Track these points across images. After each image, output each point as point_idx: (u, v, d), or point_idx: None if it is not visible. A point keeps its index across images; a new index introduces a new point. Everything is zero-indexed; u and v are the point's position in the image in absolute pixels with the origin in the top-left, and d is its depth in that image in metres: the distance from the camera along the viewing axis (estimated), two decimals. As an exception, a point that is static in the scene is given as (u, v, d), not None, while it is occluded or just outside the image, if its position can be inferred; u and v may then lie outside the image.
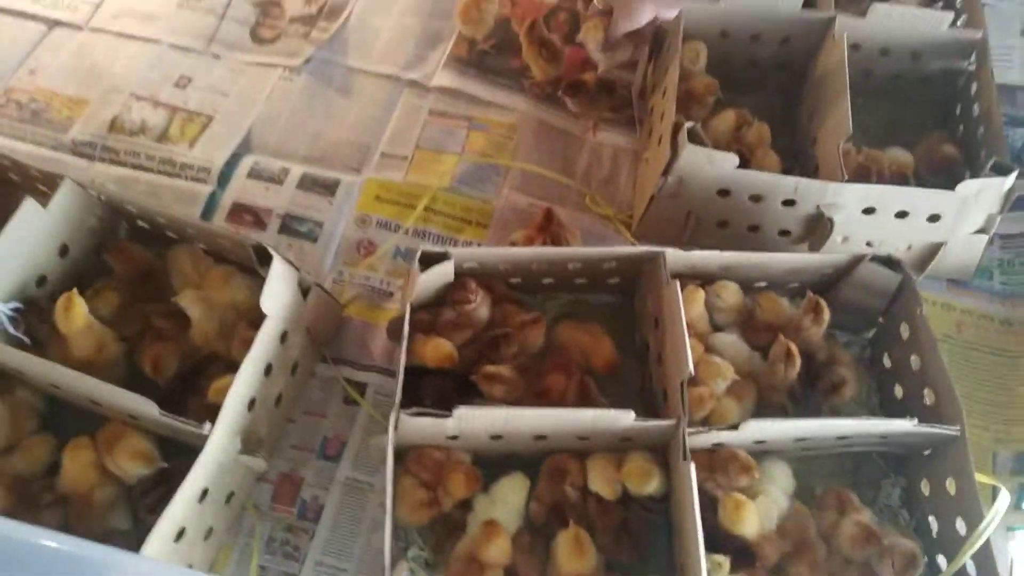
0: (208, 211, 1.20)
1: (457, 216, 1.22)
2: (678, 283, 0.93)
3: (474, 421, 0.87)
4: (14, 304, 0.95)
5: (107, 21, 1.40)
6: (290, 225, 1.20)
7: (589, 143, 1.30)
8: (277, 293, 0.93)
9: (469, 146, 1.29)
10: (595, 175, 1.28)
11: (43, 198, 0.98)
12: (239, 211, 1.21)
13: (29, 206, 0.96)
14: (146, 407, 0.85)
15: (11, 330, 0.94)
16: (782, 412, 1.01)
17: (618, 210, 1.24)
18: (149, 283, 1.05)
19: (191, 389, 0.98)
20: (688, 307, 0.96)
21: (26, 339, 0.96)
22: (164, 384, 0.99)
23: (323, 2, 1.43)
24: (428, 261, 0.96)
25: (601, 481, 0.91)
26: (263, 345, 0.92)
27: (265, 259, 0.93)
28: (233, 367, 0.90)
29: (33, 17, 1.40)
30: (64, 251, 1.03)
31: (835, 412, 1.03)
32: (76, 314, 0.93)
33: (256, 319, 1.00)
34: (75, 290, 0.94)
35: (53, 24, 1.39)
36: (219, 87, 1.34)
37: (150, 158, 1.25)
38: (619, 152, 1.30)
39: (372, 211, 1.22)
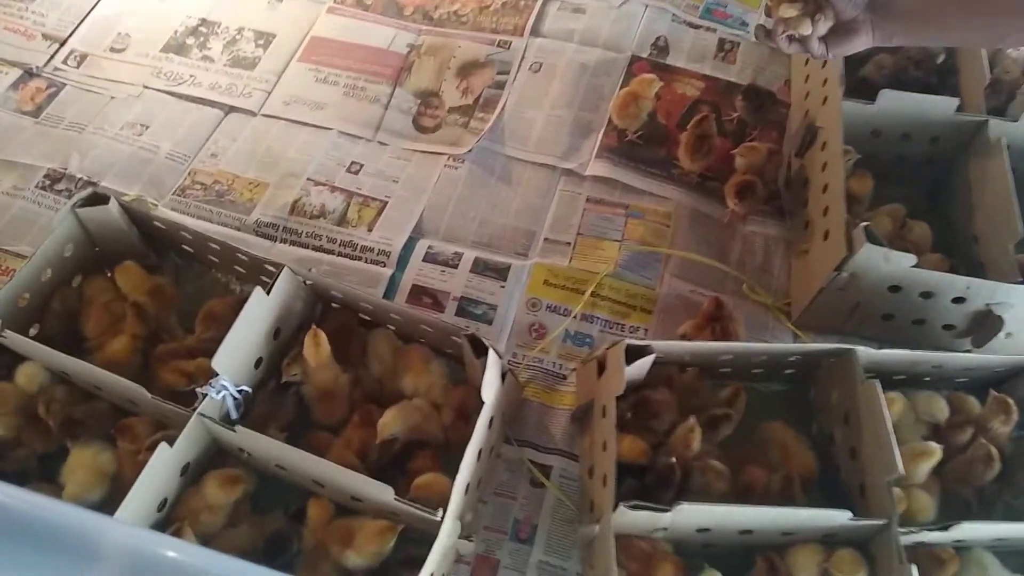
0: (389, 292, 1.28)
1: (622, 301, 1.28)
2: (878, 383, 0.98)
3: (692, 516, 0.91)
4: (242, 387, 1.01)
5: (279, 108, 1.50)
6: (466, 308, 1.26)
7: (741, 232, 1.36)
8: (491, 382, 0.99)
9: (628, 233, 1.35)
10: (749, 262, 1.33)
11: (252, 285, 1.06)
12: (418, 293, 1.28)
13: (258, 294, 1.03)
14: (383, 494, 0.90)
15: (234, 414, 1.00)
16: (965, 508, 1.04)
17: (775, 298, 1.29)
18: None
19: (395, 472, 1.04)
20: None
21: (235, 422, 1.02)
22: (368, 467, 1.04)
23: (478, 94, 1.52)
24: (633, 354, 1.02)
25: (808, 571, 0.94)
26: (480, 432, 0.97)
27: (480, 349, 0.99)
28: (426, 447, 1.03)
29: (212, 103, 1.50)
30: (276, 333, 1.10)
31: (1011, 509, 1.06)
32: (323, 349, 1.05)
33: (455, 403, 1.07)
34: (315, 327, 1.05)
35: (229, 110, 1.50)
36: (389, 173, 1.42)
37: (331, 240, 1.33)
38: (770, 240, 1.35)
39: (541, 295, 1.28)
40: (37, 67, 1.52)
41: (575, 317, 1.26)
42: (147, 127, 1.46)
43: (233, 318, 1.02)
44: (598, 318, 1.27)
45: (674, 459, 0.98)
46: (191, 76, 1.53)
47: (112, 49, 1.57)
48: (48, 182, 1.37)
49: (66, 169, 1.39)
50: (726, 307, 1.19)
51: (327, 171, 1.42)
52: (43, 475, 1.05)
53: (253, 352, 1.06)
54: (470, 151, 1.43)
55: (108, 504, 1.00)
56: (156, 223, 1.18)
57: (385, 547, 0.94)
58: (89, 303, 1.14)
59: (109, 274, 1.19)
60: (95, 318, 1.12)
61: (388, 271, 1.30)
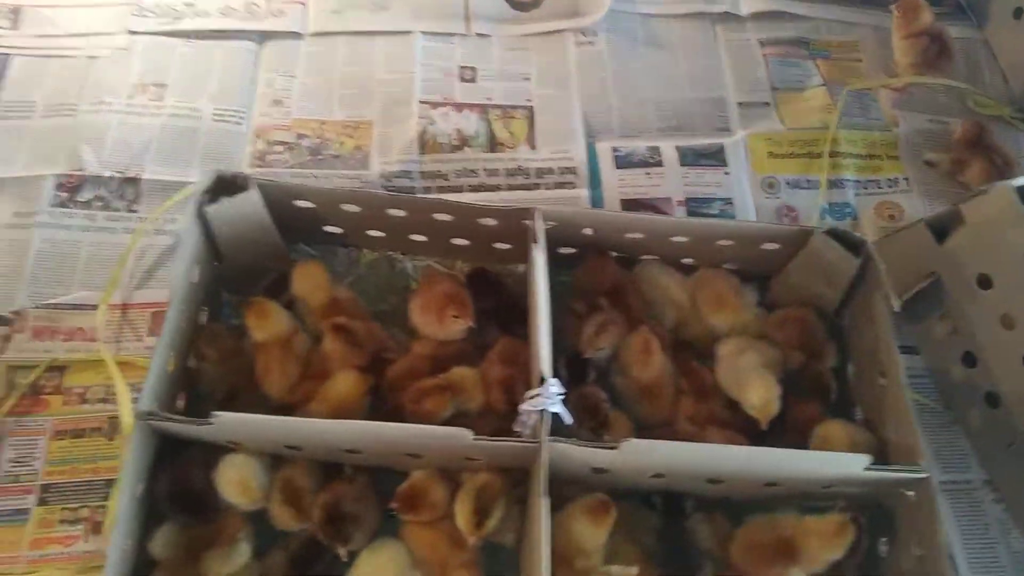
0: (598, 218, 0.98)
1: (865, 154, 1.05)
2: None
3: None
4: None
5: (329, 21, 1.11)
6: (697, 210, 0.99)
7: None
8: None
9: (828, 74, 1.11)
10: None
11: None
12: (632, 209, 0.99)
13: (540, 256, 0.73)
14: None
15: (568, 419, 0.71)
16: None
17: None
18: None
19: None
20: None
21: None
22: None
23: (568, -54, 1.18)
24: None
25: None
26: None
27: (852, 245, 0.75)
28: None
29: (236, 34, 1.08)
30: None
31: None
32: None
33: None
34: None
35: (263, 37, 1.09)
36: (513, 70, 1.09)
37: (492, 172, 1.00)
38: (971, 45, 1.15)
39: (773, 171, 1.03)
40: (-49, 39, 1.04)
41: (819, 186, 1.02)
42: (164, 86, 1.03)
43: (469, 301, 0.76)
44: (847, 181, 1.03)
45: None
46: (187, 5, 1.10)
47: (51, -9, 1.10)
48: (65, 195, 0.94)
49: (83, 170, 0.96)
50: (987, 130, 0.99)
51: (438, 86, 1.07)
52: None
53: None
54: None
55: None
56: (301, 203, 0.82)
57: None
58: (265, 344, 0.77)
59: (235, 296, 0.83)
60: (279, 359, 0.77)
61: (583, 192, 0.99)
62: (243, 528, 0.70)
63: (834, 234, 0.78)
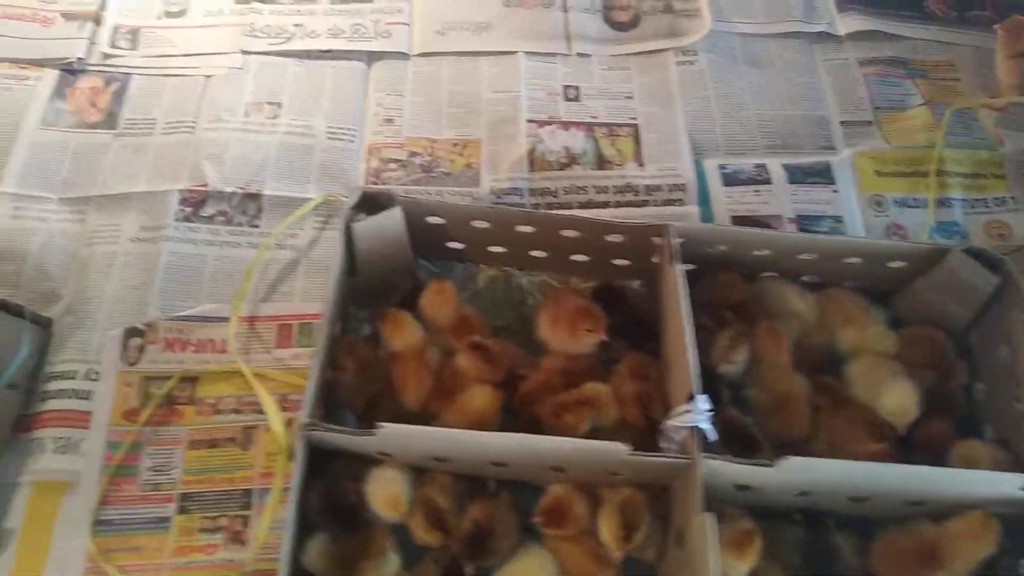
0: (709, 235, 0.98)
1: (971, 173, 1.05)
2: None
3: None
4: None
5: (434, 41, 1.13)
6: (808, 228, 0.99)
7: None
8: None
9: (928, 94, 1.11)
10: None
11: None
12: (742, 225, 0.99)
13: (679, 269, 0.74)
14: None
15: (713, 436, 0.71)
16: None
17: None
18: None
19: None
20: None
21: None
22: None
23: (664, -32, 1.20)
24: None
25: None
26: None
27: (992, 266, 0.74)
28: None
29: (345, 55, 1.11)
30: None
31: None
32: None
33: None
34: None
35: (371, 58, 1.11)
36: (616, 90, 1.10)
37: (601, 190, 1.01)
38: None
39: (881, 189, 1.03)
40: (79, 59, 1.07)
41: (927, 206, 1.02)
42: (279, 104, 1.06)
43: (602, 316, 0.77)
44: (954, 199, 1.03)
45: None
46: (296, 26, 1.13)
47: (168, 14, 1.13)
48: (189, 210, 0.97)
49: (206, 186, 0.98)
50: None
51: (543, 105, 1.08)
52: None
53: (675, 354, 0.76)
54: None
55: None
56: (433, 219, 0.83)
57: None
58: (401, 355, 0.79)
59: (360, 309, 0.85)
60: (414, 370, 0.78)
61: (692, 208, 1.00)
62: (389, 539, 0.71)
63: (972, 252, 0.78)
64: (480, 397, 0.75)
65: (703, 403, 0.67)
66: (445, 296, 0.82)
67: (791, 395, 0.79)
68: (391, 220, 0.78)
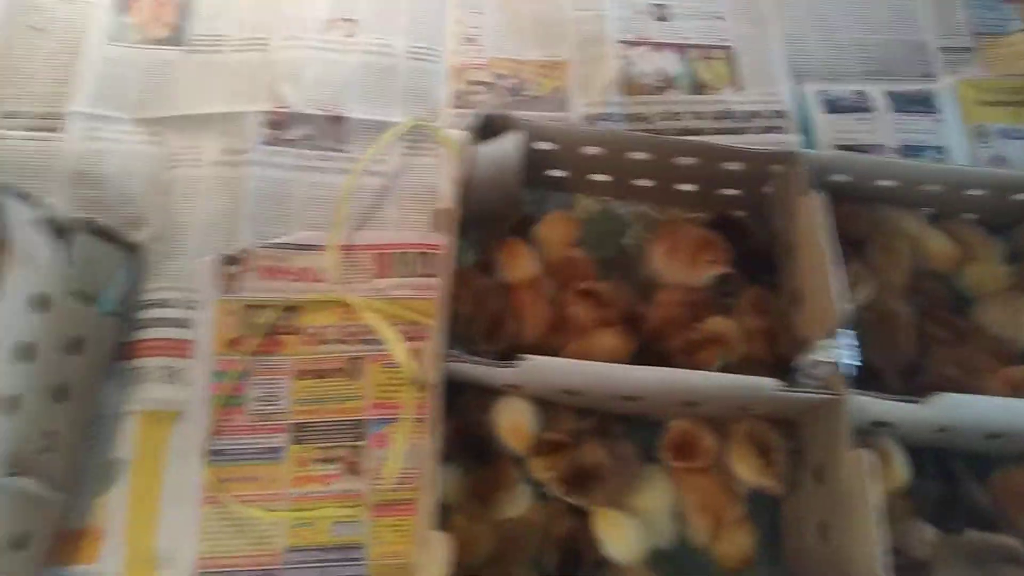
0: (811, 164, 0.95)
1: (1078, 103, 1.02)
2: None
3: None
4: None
5: (512, -46, 1.06)
6: (911, 158, 0.97)
7: None
8: None
9: (1030, 17, 1.07)
10: None
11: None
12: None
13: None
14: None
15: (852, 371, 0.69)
16: None
17: None
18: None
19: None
20: None
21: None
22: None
23: None
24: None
25: None
26: None
27: None
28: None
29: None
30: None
31: None
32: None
33: None
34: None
35: (449, -29, 1.05)
36: (707, 9, 1.05)
37: (699, 115, 0.98)
38: None
39: (985, 119, 1.00)
40: (138, -30, 1.00)
41: (1030, 137, 0.99)
42: (355, 21, 1.00)
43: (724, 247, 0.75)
44: (1059, 131, 1.00)
45: None
46: (366, -65, 1.06)
47: (226, -79, 1.05)
48: (273, 133, 0.92)
49: (287, 108, 0.93)
50: None
51: (630, 24, 1.03)
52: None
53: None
54: (795, -44, 1.07)
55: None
56: (542, 145, 0.80)
57: None
58: (518, 285, 0.77)
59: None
60: (531, 301, 0.76)
61: (793, 136, 0.97)
62: (519, 471, 0.71)
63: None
64: (609, 340, 0.73)
65: (847, 337, 0.66)
66: (561, 230, 0.80)
67: (898, 317, 0.78)
68: (509, 146, 0.75)
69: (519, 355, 0.64)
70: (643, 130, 0.97)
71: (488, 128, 0.74)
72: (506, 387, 0.71)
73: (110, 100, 0.93)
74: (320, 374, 0.81)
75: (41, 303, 0.68)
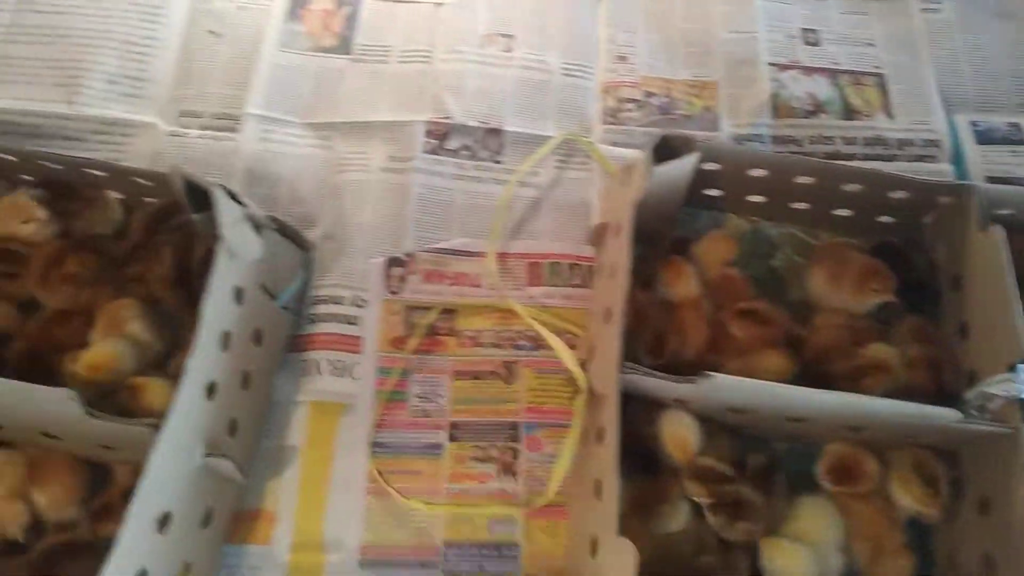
0: (963, 195, 0.95)
1: None
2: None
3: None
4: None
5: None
6: (1065, 194, 0.95)
7: None
8: None
9: None
10: None
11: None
12: (1003, 188, 0.95)
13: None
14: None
15: None
16: None
17: None
18: None
19: None
20: None
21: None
22: None
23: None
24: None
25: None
26: None
27: None
28: None
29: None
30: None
31: None
32: None
33: None
34: None
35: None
36: (856, 36, 1.05)
37: (849, 141, 0.98)
38: None
39: None
40: (310, -20, 1.06)
41: None
42: (511, 36, 1.04)
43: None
44: None
45: None
46: (523, -46, 1.09)
47: (394, -61, 1.11)
48: (434, 142, 0.96)
49: (449, 118, 0.97)
50: None
51: (783, 48, 1.04)
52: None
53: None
54: (946, -14, 1.07)
55: None
56: (708, 166, 0.81)
57: None
58: (679, 304, 0.78)
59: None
60: (693, 320, 0.78)
61: (945, 166, 0.96)
62: (679, 486, 0.72)
63: None
64: (773, 361, 0.75)
65: (1026, 373, 0.66)
66: (720, 251, 0.82)
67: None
68: (687, 167, 0.77)
69: (702, 372, 0.66)
70: (792, 153, 0.98)
71: (663, 148, 0.76)
72: (673, 401, 0.72)
73: (281, 104, 0.98)
74: (476, 375, 0.85)
75: (238, 295, 0.73)
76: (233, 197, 0.72)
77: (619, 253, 0.74)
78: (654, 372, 0.67)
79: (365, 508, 0.79)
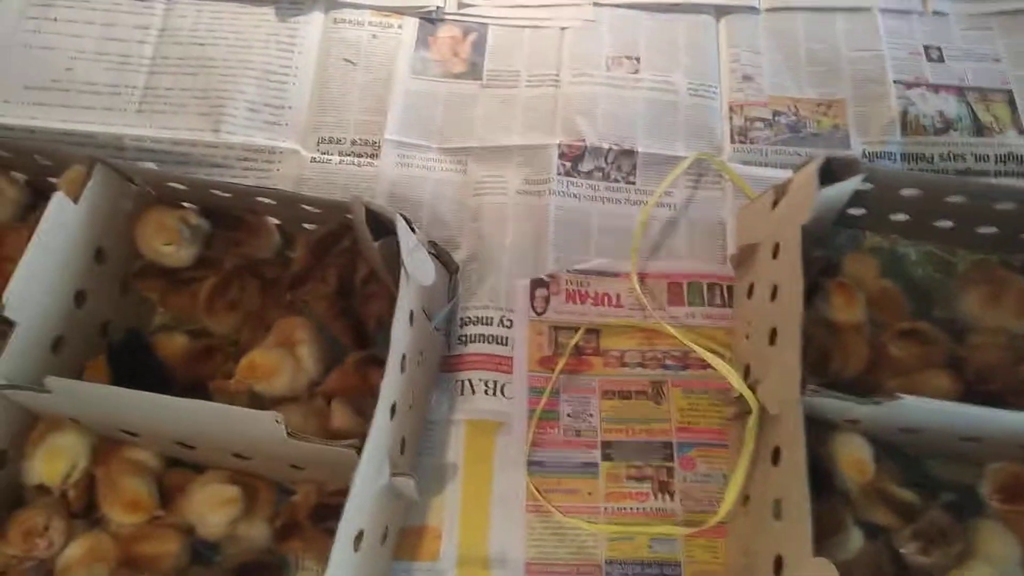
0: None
1: None
2: None
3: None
4: None
5: (791, -2, 1.10)
6: None
7: None
8: None
9: None
10: None
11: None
12: None
13: None
14: None
15: None
16: None
17: None
18: None
19: None
20: None
21: None
22: None
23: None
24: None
25: None
26: None
27: None
28: None
29: (695, 8, 1.09)
30: None
31: None
32: None
33: None
34: None
35: (719, 12, 1.09)
36: (980, 52, 1.05)
37: (981, 158, 0.98)
38: None
39: None
40: (438, 8, 1.08)
41: None
42: (637, 59, 1.06)
43: None
44: None
45: None
46: (642, -23, 1.11)
47: (516, -36, 1.13)
48: (568, 164, 0.98)
49: (583, 141, 0.99)
50: None
51: (907, 65, 1.04)
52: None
53: None
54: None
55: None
56: (862, 186, 0.82)
57: None
58: (845, 327, 0.79)
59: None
60: (857, 343, 0.78)
61: (1079, 184, 0.96)
62: (851, 513, 0.73)
63: None
64: (939, 381, 0.75)
65: None
66: (876, 267, 0.82)
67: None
68: (846, 189, 0.78)
69: (884, 392, 0.66)
70: (922, 170, 0.98)
71: (828, 170, 0.77)
72: (843, 422, 0.73)
73: (417, 129, 1.01)
74: (624, 395, 0.86)
75: (412, 319, 0.75)
76: (408, 224, 0.75)
77: (782, 274, 0.75)
78: (837, 393, 0.68)
79: (526, 525, 0.80)
